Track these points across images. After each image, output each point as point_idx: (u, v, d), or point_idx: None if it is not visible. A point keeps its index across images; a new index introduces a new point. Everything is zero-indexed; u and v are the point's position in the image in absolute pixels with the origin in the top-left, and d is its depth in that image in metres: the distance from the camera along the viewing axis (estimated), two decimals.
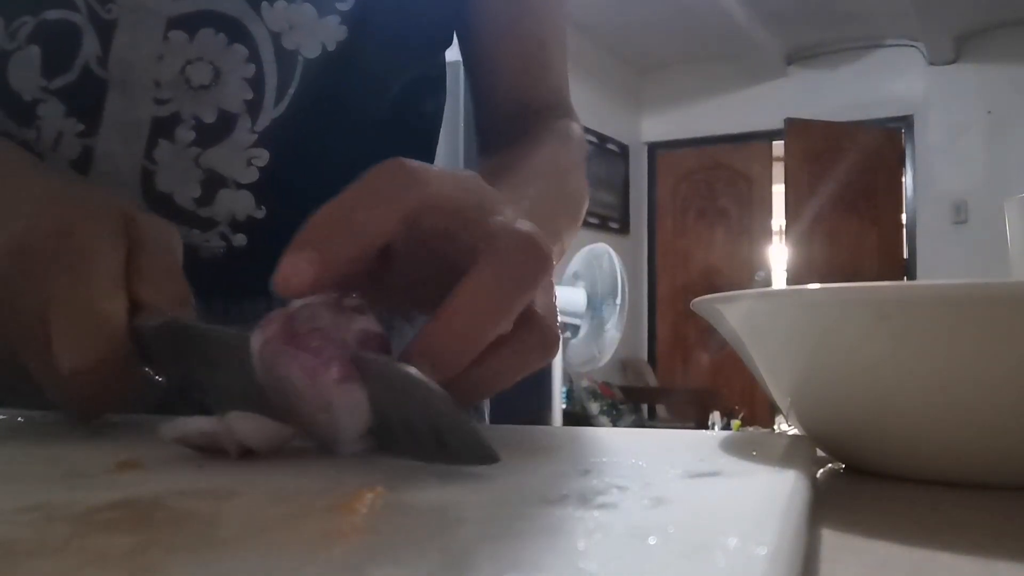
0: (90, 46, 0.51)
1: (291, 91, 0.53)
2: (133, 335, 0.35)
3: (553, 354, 0.32)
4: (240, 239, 0.54)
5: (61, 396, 0.36)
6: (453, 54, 0.66)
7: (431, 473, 0.26)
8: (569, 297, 3.50)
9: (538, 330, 0.31)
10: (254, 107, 0.53)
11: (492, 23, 0.64)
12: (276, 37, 0.52)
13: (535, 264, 0.30)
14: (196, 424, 0.28)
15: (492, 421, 0.66)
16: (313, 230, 0.30)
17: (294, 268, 0.28)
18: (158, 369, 0.37)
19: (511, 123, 0.64)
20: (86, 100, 0.52)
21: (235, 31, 0.52)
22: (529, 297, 0.30)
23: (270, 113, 0.53)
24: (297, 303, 0.30)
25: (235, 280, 0.54)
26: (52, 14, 0.51)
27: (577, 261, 3.78)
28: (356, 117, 0.58)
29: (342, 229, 0.30)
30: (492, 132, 0.65)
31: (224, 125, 0.53)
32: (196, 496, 0.22)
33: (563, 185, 0.57)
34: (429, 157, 0.67)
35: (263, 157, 0.53)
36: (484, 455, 0.25)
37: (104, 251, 0.36)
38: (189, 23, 0.51)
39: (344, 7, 0.54)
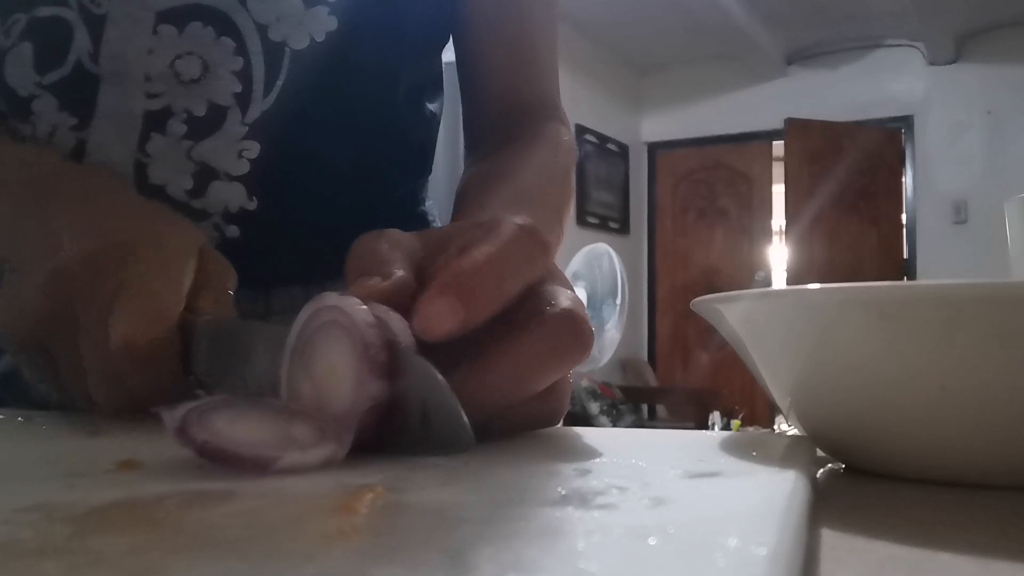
0: (82, 41, 0.52)
1: (279, 83, 0.54)
2: (181, 329, 0.40)
3: (556, 421, 0.34)
4: (233, 230, 0.55)
5: (102, 378, 0.40)
6: (453, 55, 0.66)
7: (431, 473, 0.26)
8: None
9: (552, 399, 0.33)
10: (243, 99, 0.53)
11: (482, 22, 0.64)
12: (262, 29, 0.53)
13: (578, 344, 0.31)
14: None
15: None
16: (459, 278, 0.30)
17: (438, 316, 0.29)
18: (195, 364, 0.41)
19: (499, 123, 0.64)
20: (79, 95, 0.52)
21: (223, 24, 0.52)
22: (566, 371, 0.32)
23: (260, 105, 0.53)
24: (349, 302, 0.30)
25: None
26: (44, 11, 0.52)
27: (577, 261, 3.78)
28: (348, 110, 0.58)
29: (488, 287, 0.30)
30: (480, 131, 0.66)
31: (215, 118, 0.53)
32: (196, 496, 0.22)
33: (551, 196, 0.58)
34: (427, 157, 0.67)
35: (254, 149, 0.54)
36: (462, 438, 0.27)
37: (180, 259, 0.42)
38: (178, 17, 0.52)
39: None
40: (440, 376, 0.28)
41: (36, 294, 0.41)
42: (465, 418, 0.28)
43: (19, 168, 0.49)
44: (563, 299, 0.32)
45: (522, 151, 0.59)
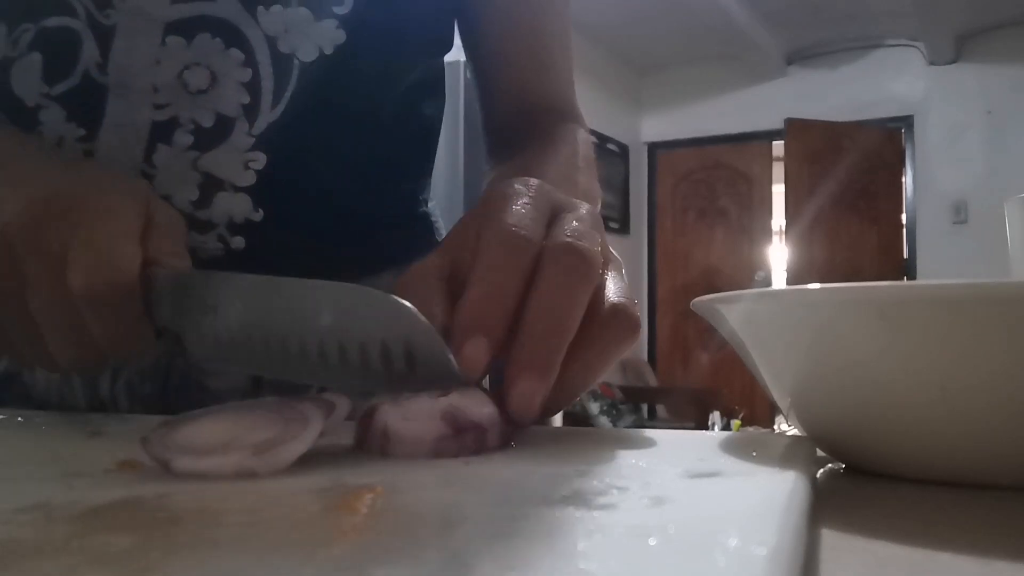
0: (90, 52, 0.51)
1: (288, 94, 0.53)
2: (142, 283, 0.40)
3: (635, 337, 0.36)
4: (238, 241, 0.54)
5: (59, 332, 0.40)
6: (452, 55, 0.66)
7: (431, 473, 0.26)
8: None
9: (617, 319, 0.35)
10: (251, 111, 0.53)
11: (496, 25, 0.64)
12: (272, 41, 0.52)
13: (581, 266, 0.34)
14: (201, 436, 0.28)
15: None
16: (475, 318, 0.33)
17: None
18: (157, 316, 0.40)
19: (516, 125, 0.64)
20: (86, 105, 0.52)
21: (232, 35, 0.52)
22: (585, 291, 0.34)
23: (267, 117, 0.53)
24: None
25: None
26: (52, 21, 0.51)
27: None
28: (353, 120, 0.58)
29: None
30: (498, 134, 0.65)
31: (221, 129, 0.53)
32: (196, 496, 0.22)
33: (576, 191, 0.57)
34: (428, 159, 0.67)
35: (260, 160, 0.54)
36: (450, 374, 0.31)
37: (129, 208, 0.41)
38: (186, 28, 0.52)
39: (341, 11, 0.54)
40: (424, 318, 0.31)
41: None
42: (451, 356, 0.31)
43: None
44: (612, 294, 0.35)
45: (543, 149, 0.59)
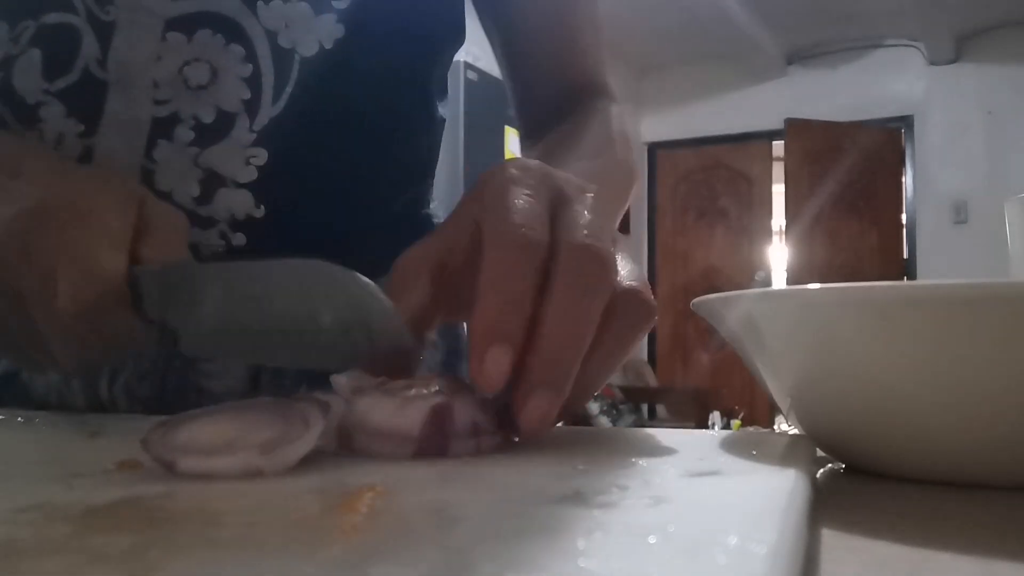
0: (89, 48, 0.52)
1: (288, 90, 0.53)
2: (130, 283, 0.40)
3: (650, 323, 0.34)
4: (239, 238, 0.54)
5: (60, 341, 0.40)
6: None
7: (431, 472, 0.26)
8: None
9: (631, 306, 0.33)
10: (252, 106, 0.53)
11: (526, 10, 0.64)
12: (272, 36, 0.53)
13: (599, 271, 0.32)
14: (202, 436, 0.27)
15: None
16: (493, 327, 0.30)
17: (500, 365, 0.30)
18: (149, 312, 0.41)
19: (552, 107, 0.65)
20: (86, 101, 0.52)
21: (232, 31, 0.52)
22: (604, 299, 0.32)
23: (268, 112, 0.53)
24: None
25: None
26: (52, 17, 0.52)
27: None
28: (356, 116, 0.58)
29: (518, 320, 0.31)
30: (534, 118, 0.66)
31: (223, 124, 0.53)
32: (196, 496, 0.22)
33: (610, 164, 0.56)
34: (432, 160, 0.67)
35: (262, 156, 0.54)
36: (404, 339, 0.33)
37: (114, 213, 0.41)
38: (187, 24, 0.52)
39: (341, 5, 0.54)
40: (383, 297, 0.33)
41: None
42: (408, 333, 0.33)
43: None
44: (624, 278, 0.34)
45: (575, 128, 0.60)
